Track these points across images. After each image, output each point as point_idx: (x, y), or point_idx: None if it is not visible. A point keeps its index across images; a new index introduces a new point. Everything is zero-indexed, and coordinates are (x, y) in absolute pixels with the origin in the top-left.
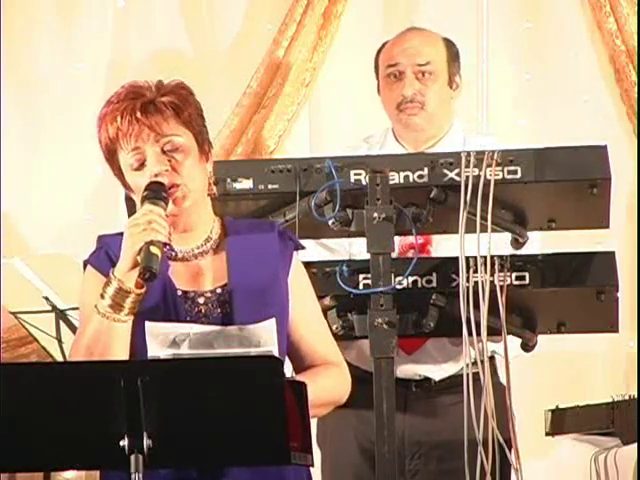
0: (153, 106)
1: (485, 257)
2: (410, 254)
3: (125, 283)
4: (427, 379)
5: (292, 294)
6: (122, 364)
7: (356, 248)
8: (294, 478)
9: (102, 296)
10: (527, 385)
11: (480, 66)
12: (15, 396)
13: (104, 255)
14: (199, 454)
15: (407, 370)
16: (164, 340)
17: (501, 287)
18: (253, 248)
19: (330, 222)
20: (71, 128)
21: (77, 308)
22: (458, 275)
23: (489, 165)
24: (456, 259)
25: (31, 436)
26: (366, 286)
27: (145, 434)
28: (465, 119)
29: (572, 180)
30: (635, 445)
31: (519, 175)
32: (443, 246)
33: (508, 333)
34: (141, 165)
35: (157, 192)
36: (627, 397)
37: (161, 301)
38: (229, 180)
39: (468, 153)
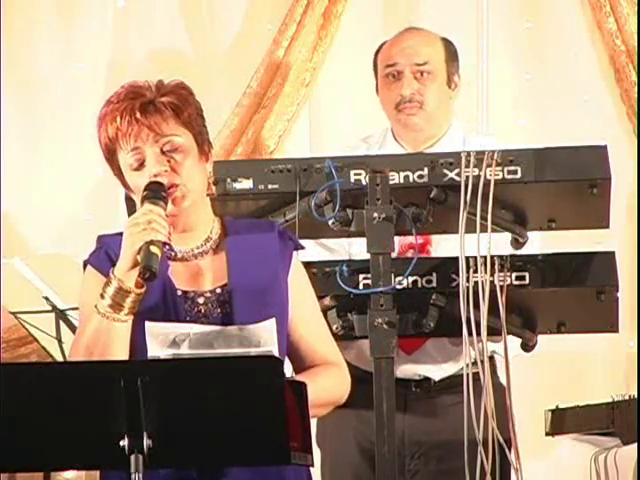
0: (152, 106)
1: (485, 257)
2: (409, 254)
3: (125, 283)
4: (427, 379)
5: (292, 294)
6: (122, 364)
7: (355, 248)
8: (294, 478)
9: (102, 296)
10: (527, 385)
11: (480, 66)
12: (15, 396)
13: (104, 255)
14: (199, 454)
15: (407, 370)
16: (164, 340)
17: (501, 287)
18: (253, 248)
19: (330, 222)
20: (71, 128)
21: (77, 308)
22: (458, 275)
23: (489, 165)
24: (456, 259)
25: (31, 436)
26: (366, 286)
27: (145, 434)
28: (465, 119)
29: (572, 180)
30: (635, 445)
31: (519, 175)
32: (442, 246)
33: (508, 333)
34: (140, 165)
35: (157, 192)
36: (627, 397)
37: (161, 301)
38: (229, 180)
39: (468, 153)
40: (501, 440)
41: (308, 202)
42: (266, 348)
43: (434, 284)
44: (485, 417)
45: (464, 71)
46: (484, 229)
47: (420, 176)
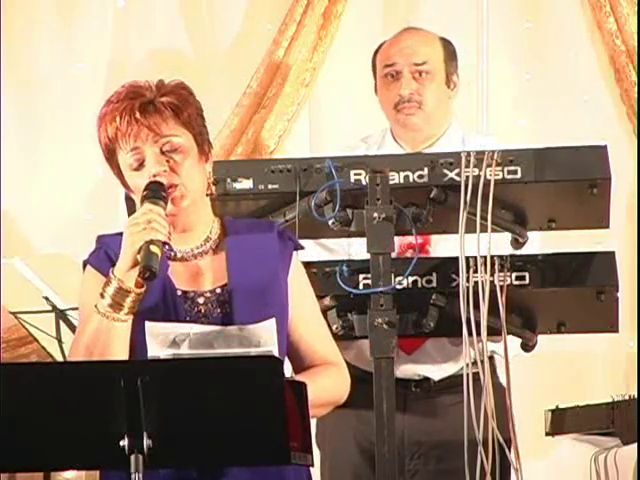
0: (152, 106)
1: (485, 257)
2: (409, 254)
3: (125, 282)
4: (427, 379)
5: (291, 294)
6: (122, 364)
7: (355, 248)
8: (294, 478)
9: (102, 295)
10: (527, 385)
11: (480, 66)
12: (15, 396)
13: (104, 255)
14: (199, 454)
15: (407, 370)
16: (164, 340)
17: (501, 287)
18: (253, 248)
19: (330, 222)
20: (71, 128)
21: (77, 308)
22: (458, 275)
23: (489, 165)
24: (456, 259)
25: (31, 436)
26: (366, 286)
27: (145, 434)
28: (465, 119)
29: (572, 180)
30: (635, 445)
31: (519, 175)
32: (442, 246)
33: (508, 333)
34: (140, 165)
35: (156, 192)
36: (627, 397)
37: (161, 301)
38: (229, 180)
39: (468, 153)
40: (501, 440)
41: (308, 202)
42: (266, 348)
43: (434, 284)
44: (485, 417)
45: (464, 71)
46: (484, 229)
47: (420, 176)
